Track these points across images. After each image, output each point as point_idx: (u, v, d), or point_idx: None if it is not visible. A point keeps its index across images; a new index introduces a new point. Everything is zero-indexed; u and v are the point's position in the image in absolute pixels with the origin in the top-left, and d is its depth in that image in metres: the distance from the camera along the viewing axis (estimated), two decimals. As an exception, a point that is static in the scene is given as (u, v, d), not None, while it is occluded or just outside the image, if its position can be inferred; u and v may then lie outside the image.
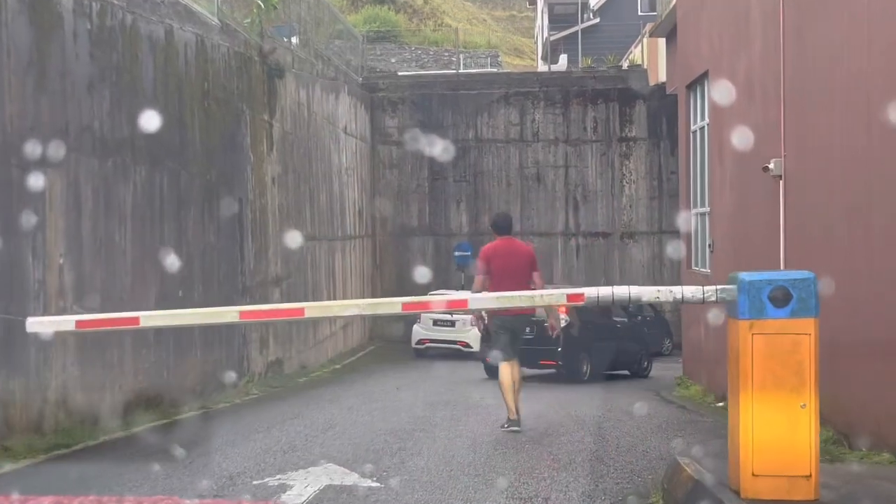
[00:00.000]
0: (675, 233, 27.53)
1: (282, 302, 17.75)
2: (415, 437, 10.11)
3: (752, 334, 5.45)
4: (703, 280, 15.21)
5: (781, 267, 11.29)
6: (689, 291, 5.75)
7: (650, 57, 28.05)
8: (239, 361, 15.21)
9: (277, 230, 17.62)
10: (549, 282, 27.51)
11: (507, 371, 9.79)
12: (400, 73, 28.37)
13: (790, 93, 11.23)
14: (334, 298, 22.32)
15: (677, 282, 27.73)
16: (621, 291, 5.66)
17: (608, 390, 16.72)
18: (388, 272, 27.83)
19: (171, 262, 12.36)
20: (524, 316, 9.88)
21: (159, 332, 11.95)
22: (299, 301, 18.86)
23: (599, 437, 10.35)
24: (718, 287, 5.76)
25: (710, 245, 14.87)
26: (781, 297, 5.33)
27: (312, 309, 5.82)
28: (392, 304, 5.62)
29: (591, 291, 5.71)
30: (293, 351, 18.45)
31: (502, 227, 10.06)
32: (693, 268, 16.60)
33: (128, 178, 11.02)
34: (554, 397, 15.32)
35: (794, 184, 11.15)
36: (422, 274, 26.49)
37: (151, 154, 11.84)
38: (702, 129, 15.99)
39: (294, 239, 18.53)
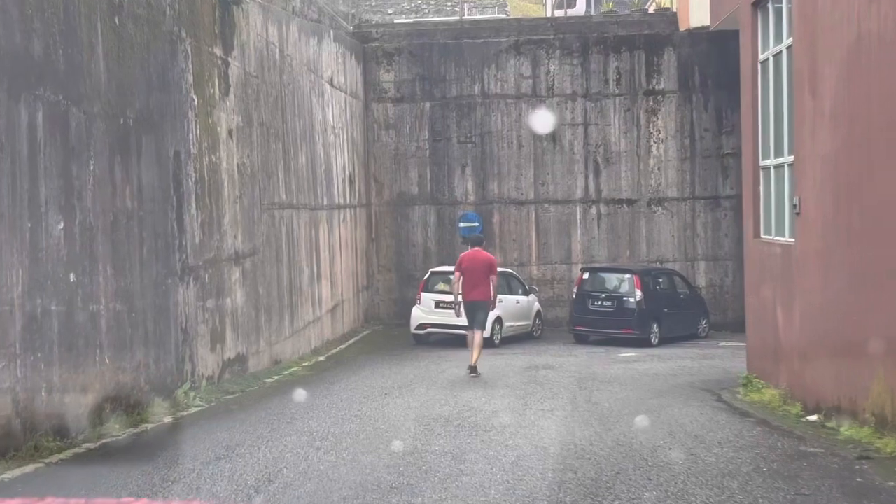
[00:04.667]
0: (711, 198, 23.51)
1: (244, 284, 13.83)
2: (392, 505, 6.21)
3: None
4: (783, 253, 11.21)
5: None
6: None
7: (679, -1, 23.92)
8: (178, 364, 11.31)
9: (236, 195, 13.65)
10: (567, 258, 23.55)
11: (471, 335, 13.94)
12: (396, 21, 24.27)
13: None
14: (319, 277, 18.40)
15: (723, 255, 23.72)
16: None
17: (657, 391, 12.78)
18: (386, 246, 23.86)
19: (52, 234, 8.43)
20: (479, 301, 13.88)
21: (33, 329, 8.05)
22: (268, 283, 14.92)
23: (680, 499, 6.40)
24: None
25: (794, 205, 10.86)
26: None
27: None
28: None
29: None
30: (262, 343, 14.54)
31: (474, 241, 14.66)
32: (764, 236, 12.59)
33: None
34: (589, 403, 11.41)
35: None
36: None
37: (11, 76, 7.88)
38: (777, 56, 11.93)
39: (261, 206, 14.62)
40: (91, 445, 8.34)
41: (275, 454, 7.93)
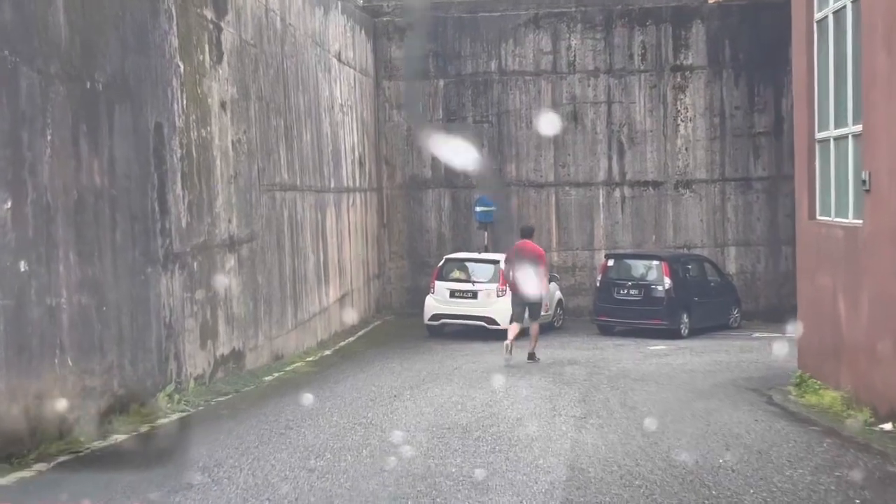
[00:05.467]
0: (742, 180, 21.92)
1: (240, 273, 12.41)
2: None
3: None
4: (847, 235, 9.68)
5: None
6: None
7: (708, -30, 22.24)
8: (160, 364, 9.89)
9: (230, 174, 12.22)
10: (589, 244, 22.02)
11: (514, 328, 13.80)
12: (408, -6, 22.74)
13: None
14: (326, 265, 16.98)
15: (754, 240, 22.13)
16: None
17: (698, 391, 11.31)
18: (398, 231, 22.40)
19: (-5, 214, 7.02)
20: (528, 293, 13.67)
21: (-30, 334, 6.65)
22: (268, 272, 13.50)
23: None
24: None
25: (863, 181, 9.33)
26: None
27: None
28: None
29: None
30: (261, 338, 13.12)
31: (525, 233, 14.41)
32: (820, 217, 11.05)
33: None
34: (626, 408, 9.95)
35: None
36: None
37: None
38: (838, 12, 10.36)
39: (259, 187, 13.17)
40: (43, 466, 6.94)
41: (258, 479, 6.50)
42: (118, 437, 8.12)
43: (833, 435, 8.53)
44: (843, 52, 10.18)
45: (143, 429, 8.60)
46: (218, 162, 11.75)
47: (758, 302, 21.80)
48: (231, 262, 12.11)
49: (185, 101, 10.75)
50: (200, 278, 11.05)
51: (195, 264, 10.90)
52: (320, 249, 16.63)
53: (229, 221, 12.05)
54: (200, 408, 9.99)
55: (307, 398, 10.54)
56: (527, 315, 13.89)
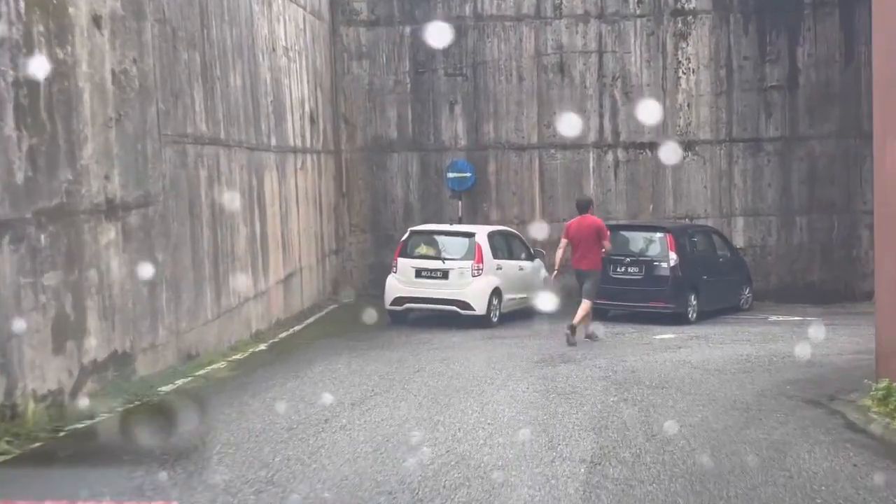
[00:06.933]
0: (751, 141, 18.67)
1: (126, 249, 9.01)
2: None
3: None
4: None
5: None
6: None
7: None
8: (-28, 382, 6.56)
9: (109, 116, 8.79)
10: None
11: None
12: (369, -73, 19.26)
13: None
14: (265, 238, 13.61)
15: (765, 209, 18.95)
16: None
17: (740, 405, 8.09)
18: (359, 201, 19.01)
19: None
20: (585, 271, 12.80)
21: None
22: (174, 247, 10.09)
23: None
24: None
25: None
26: None
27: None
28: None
29: None
30: (162, 332, 9.75)
31: (581, 207, 13.22)
32: (917, 169, 7.79)
33: None
34: (653, 440, 6.72)
35: None
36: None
37: None
38: None
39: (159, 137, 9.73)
40: None
41: None
42: None
43: None
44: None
45: None
46: (86, 96, 8.33)
47: (768, 280, 18.69)
48: (111, 233, 8.73)
49: (23, 5, 7.33)
50: (54, 256, 7.68)
51: (43, 236, 7.52)
52: (256, 220, 13.25)
53: (106, 179, 8.65)
54: (40, 443, 6.70)
55: (201, 425, 7.25)
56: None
